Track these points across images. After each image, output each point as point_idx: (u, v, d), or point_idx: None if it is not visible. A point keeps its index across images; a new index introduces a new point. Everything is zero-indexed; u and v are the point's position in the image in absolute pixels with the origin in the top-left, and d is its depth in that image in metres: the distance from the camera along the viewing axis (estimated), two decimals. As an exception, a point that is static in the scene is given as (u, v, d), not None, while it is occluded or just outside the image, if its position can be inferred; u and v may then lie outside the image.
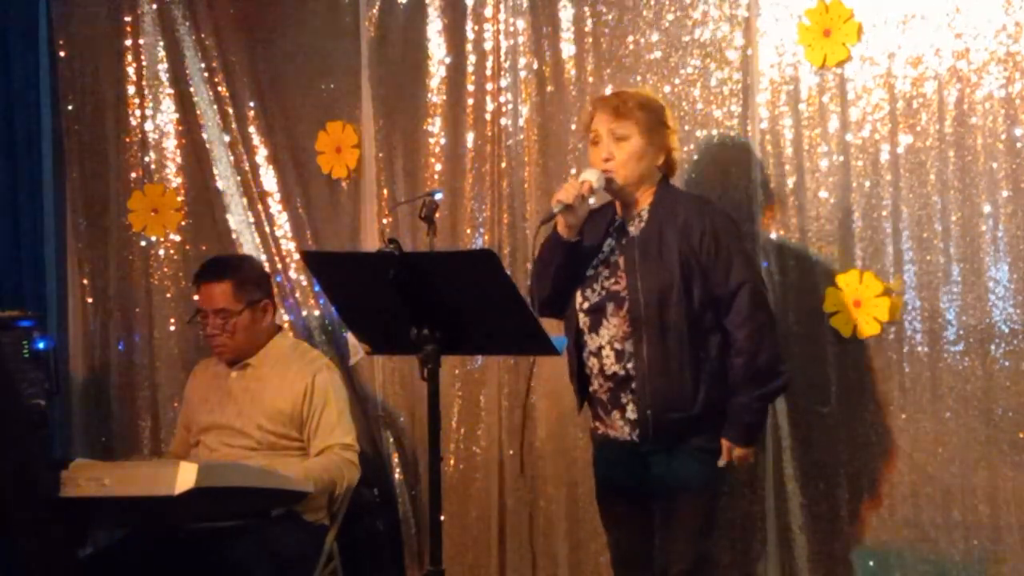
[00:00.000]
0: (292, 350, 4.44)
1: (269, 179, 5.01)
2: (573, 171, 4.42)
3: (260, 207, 5.00)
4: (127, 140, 5.19)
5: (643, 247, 3.68)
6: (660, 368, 3.62)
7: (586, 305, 3.75)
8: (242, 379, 4.37)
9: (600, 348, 3.71)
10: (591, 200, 3.72)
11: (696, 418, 3.64)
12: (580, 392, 3.84)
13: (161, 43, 5.12)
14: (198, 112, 5.07)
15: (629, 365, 3.66)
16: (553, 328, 4.28)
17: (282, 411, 4.28)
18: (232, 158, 5.03)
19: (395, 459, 4.81)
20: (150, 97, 5.15)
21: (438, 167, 4.72)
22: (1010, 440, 3.95)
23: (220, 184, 5.05)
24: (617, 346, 3.68)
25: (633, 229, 3.73)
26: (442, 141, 4.72)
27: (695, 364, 3.63)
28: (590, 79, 4.46)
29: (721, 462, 3.70)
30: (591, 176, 3.67)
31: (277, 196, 5.00)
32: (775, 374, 3.69)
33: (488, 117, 4.64)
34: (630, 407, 3.68)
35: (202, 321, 4.38)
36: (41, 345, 4.71)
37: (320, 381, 4.31)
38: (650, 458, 3.71)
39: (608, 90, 4.40)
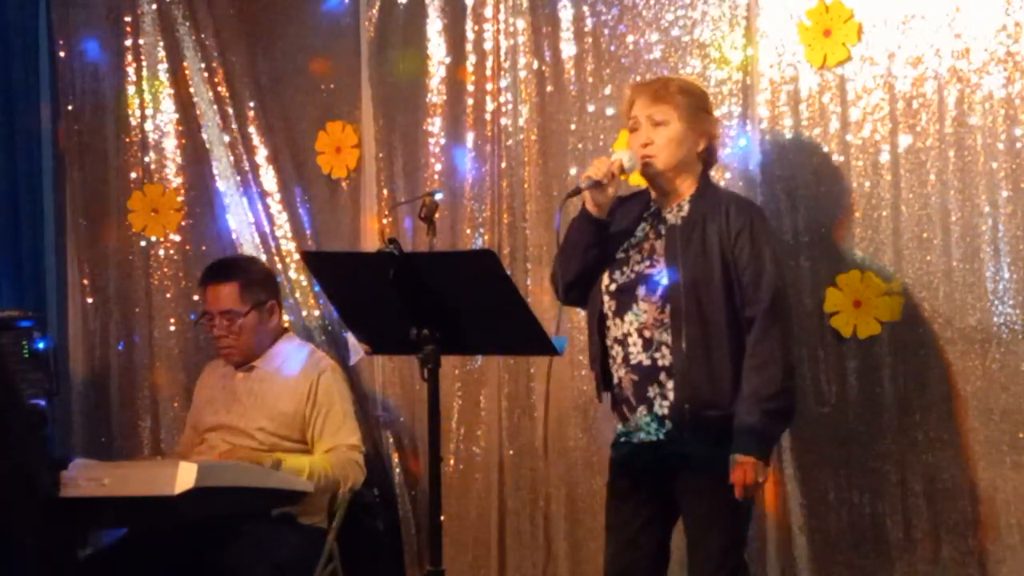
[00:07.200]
0: (297, 352, 4.44)
1: (269, 179, 5.00)
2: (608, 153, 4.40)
3: (260, 207, 4.99)
4: (127, 140, 5.18)
5: (685, 236, 3.54)
6: (700, 361, 3.48)
7: (613, 287, 3.60)
8: (248, 381, 4.38)
9: (626, 336, 3.57)
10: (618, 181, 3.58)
11: (732, 416, 3.49)
12: (603, 379, 3.67)
13: (161, 43, 5.11)
14: (198, 112, 5.07)
15: (657, 355, 3.53)
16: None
17: (284, 413, 4.29)
18: (232, 158, 5.02)
19: (395, 459, 4.80)
20: (150, 97, 5.14)
21: (438, 167, 4.72)
22: (1010, 440, 3.95)
23: (220, 184, 5.04)
24: (647, 334, 3.54)
25: (673, 217, 3.59)
26: (442, 141, 4.72)
27: (735, 358, 3.51)
28: (590, 79, 4.46)
29: (738, 491, 3.44)
30: (623, 155, 3.56)
31: (277, 196, 4.99)
32: (787, 399, 3.56)
33: (488, 117, 4.63)
34: (658, 401, 3.54)
35: (208, 323, 4.39)
36: (41, 345, 4.71)
37: (324, 382, 4.31)
38: (673, 457, 3.54)
39: (608, 90, 4.41)
